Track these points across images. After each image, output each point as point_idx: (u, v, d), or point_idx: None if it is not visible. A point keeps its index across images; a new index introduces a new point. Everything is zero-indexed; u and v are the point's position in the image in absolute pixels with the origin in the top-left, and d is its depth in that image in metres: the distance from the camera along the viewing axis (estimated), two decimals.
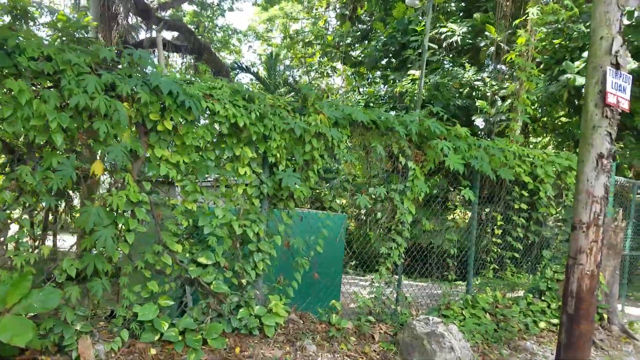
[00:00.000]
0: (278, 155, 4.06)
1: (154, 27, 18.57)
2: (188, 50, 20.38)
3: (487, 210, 6.64)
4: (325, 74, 23.53)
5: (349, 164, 5.17)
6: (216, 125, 3.76)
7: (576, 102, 10.91)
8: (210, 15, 26.74)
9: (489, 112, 12.05)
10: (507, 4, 10.49)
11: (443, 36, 14.08)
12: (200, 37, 24.25)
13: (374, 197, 4.97)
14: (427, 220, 5.57)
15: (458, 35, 13.80)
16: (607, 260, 6.67)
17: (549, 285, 6.69)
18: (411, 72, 12.12)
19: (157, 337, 3.64)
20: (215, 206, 3.82)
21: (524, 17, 8.14)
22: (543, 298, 6.63)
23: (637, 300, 9.33)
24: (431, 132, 4.98)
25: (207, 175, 3.74)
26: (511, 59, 6.55)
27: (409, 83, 12.20)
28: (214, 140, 3.81)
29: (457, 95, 13.17)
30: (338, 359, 4.25)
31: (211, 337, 3.77)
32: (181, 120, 3.59)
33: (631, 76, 4.43)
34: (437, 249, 6.80)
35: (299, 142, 4.28)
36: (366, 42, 18.07)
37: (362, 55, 17.77)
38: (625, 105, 4.36)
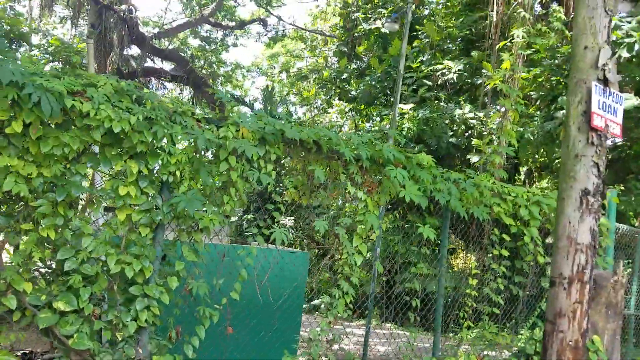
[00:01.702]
0: (178, 173, 3.25)
1: (148, 55, 18.36)
2: (184, 81, 20.14)
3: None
4: (324, 109, 23.09)
5: (290, 192, 4.35)
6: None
7: None
8: (214, 50, 26.89)
9: (485, 151, 11.28)
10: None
11: (439, 73, 13.54)
12: (201, 69, 24.18)
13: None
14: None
15: (454, 73, 13.24)
16: (606, 322, 5.63)
17: (538, 349, 5.65)
18: (399, 106, 11.46)
19: None
20: (83, 233, 2.98)
21: (508, 40, 7.48)
22: None
23: None
24: (385, 158, 4.16)
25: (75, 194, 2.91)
26: (495, 84, 5.83)
27: (397, 117, 11.51)
28: (86, 150, 3.02)
29: (451, 133, 12.46)
30: None
31: None
32: (40, 122, 2.82)
33: (623, 96, 3.62)
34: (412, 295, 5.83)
35: (214, 159, 3.49)
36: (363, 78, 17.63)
37: (358, 91, 17.27)
38: (616, 131, 3.52)
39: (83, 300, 2.94)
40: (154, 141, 3.09)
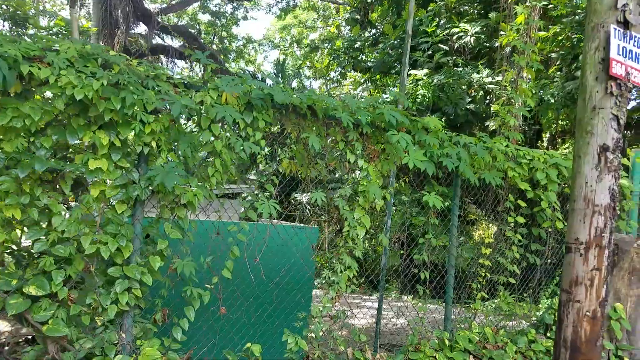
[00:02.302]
0: (154, 144, 3.02)
1: (155, 31, 18.09)
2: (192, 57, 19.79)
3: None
4: (338, 81, 22.49)
5: (287, 163, 4.09)
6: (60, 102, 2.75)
7: None
8: (224, 25, 26.36)
9: (504, 116, 10.75)
10: None
11: (455, 37, 12.84)
12: (211, 44, 23.78)
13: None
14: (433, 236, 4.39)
15: (470, 36, 12.54)
16: (629, 288, 5.29)
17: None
18: (412, 71, 10.94)
19: None
20: (53, 212, 2.79)
21: None
22: (549, 334, 5.30)
23: None
24: (388, 123, 3.84)
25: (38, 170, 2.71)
26: (508, 42, 5.37)
27: (411, 83, 11.03)
28: (51, 121, 2.80)
29: (469, 99, 11.89)
30: None
31: None
32: None
33: None
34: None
35: (196, 127, 3.25)
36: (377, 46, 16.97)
37: (372, 60, 16.67)
38: (638, 79, 3.13)
39: (56, 284, 2.77)
40: (126, 109, 2.84)
